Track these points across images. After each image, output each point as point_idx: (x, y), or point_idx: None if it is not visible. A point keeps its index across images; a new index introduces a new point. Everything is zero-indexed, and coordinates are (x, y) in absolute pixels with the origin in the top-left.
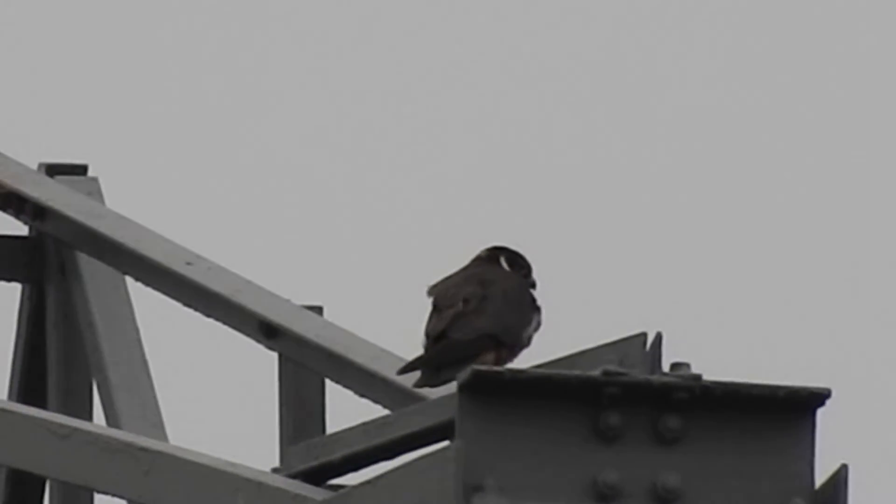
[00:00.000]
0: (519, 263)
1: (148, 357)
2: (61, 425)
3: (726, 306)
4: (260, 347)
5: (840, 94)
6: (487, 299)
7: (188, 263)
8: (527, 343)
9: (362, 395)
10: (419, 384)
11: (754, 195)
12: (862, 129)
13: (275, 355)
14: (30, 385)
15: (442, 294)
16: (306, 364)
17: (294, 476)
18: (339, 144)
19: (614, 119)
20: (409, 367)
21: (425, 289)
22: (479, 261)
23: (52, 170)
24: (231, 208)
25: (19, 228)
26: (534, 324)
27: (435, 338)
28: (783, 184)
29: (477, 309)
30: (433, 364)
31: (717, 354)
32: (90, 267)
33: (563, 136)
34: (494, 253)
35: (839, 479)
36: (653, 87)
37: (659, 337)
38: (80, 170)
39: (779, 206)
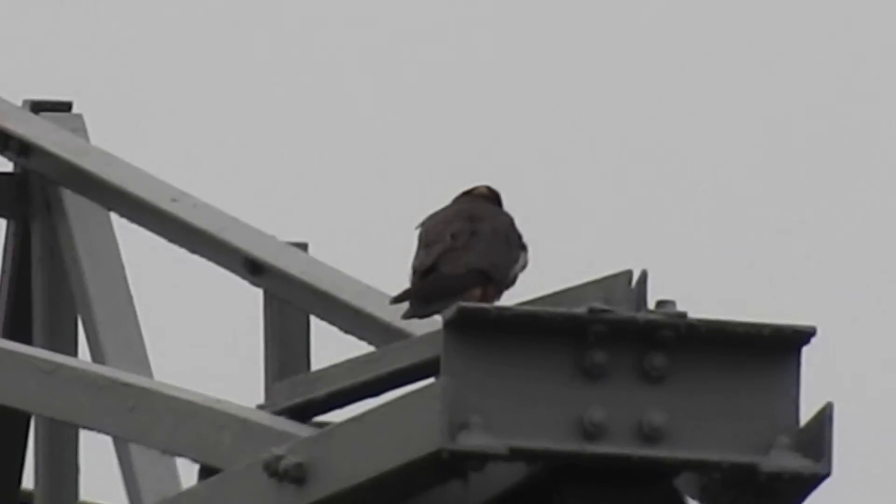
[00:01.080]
0: (500, 200)
1: (133, 293)
2: (46, 361)
3: (712, 244)
4: (245, 284)
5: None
6: (476, 235)
7: (173, 200)
8: (512, 281)
9: (347, 332)
10: (407, 315)
11: (738, 129)
12: (842, 62)
13: (260, 292)
14: (15, 321)
15: (430, 230)
16: (291, 301)
17: (279, 413)
18: (323, 81)
19: (598, 53)
20: (399, 298)
21: (414, 226)
22: (465, 197)
23: (37, 107)
24: (216, 145)
25: (4, 165)
26: (521, 262)
27: (423, 272)
28: (768, 120)
29: (466, 244)
30: (422, 296)
31: (702, 292)
32: (75, 203)
33: (547, 71)
34: (480, 189)
35: (824, 416)
36: (636, 17)
37: (644, 274)
38: (65, 106)
39: (763, 141)
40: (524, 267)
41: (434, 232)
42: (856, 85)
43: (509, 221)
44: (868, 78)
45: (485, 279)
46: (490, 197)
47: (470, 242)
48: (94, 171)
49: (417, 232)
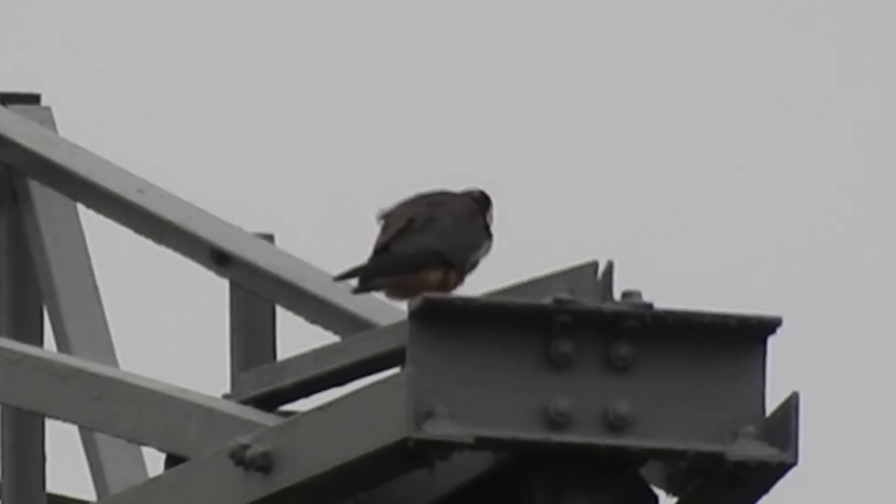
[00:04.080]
0: (481, 198)
1: (99, 284)
2: (12, 351)
3: (678, 234)
4: (211, 275)
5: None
6: (434, 220)
7: (139, 191)
8: (473, 266)
9: (313, 322)
10: (354, 290)
11: (705, 117)
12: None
13: (226, 282)
14: None
15: (391, 214)
16: (257, 291)
17: (245, 402)
18: (290, 70)
19: (568, 47)
20: (346, 275)
21: (376, 214)
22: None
23: (5, 98)
24: (182, 136)
25: None
26: (483, 248)
27: (376, 251)
28: (736, 105)
29: (422, 227)
30: (369, 274)
31: (668, 283)
32: (42, 194)
33: (515, 64)
34: (474, 194)
35: (790, 406)
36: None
37: (610, 265)
38: (33, 99)
39: (730, 127)
40: (487, 252)
41: (394, 216)
42: (823, 68)
43: (471, 209)
44: (828, 62)
45: (440, 261)
46: (477, 199)
47: (426, 226)
48: (61, 163)
49: (378, 218)
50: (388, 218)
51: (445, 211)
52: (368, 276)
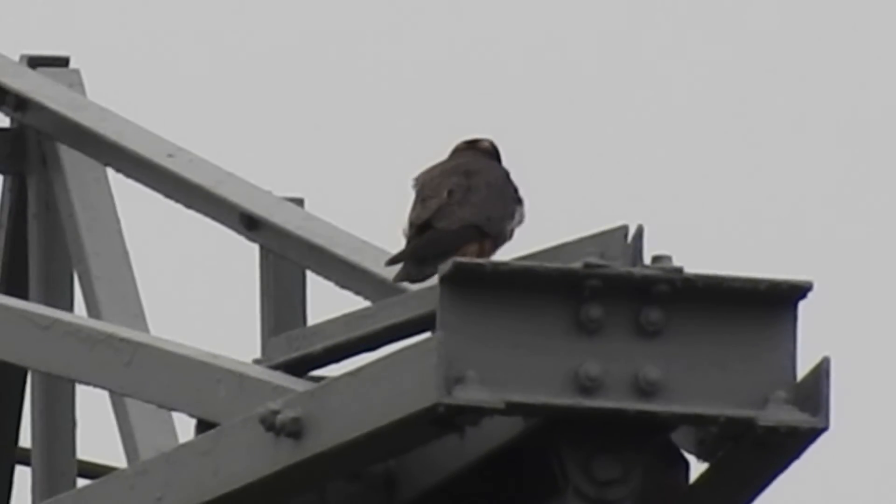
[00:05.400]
0: (498, 154)
1: (129, 248)
2: (42, 316)
3: (708, 198)
4: (241, 239)
5: None
6: (471, 190)
7: (169, 155)
8: (509, 236)
9: (343, 287)
10: (400, 278)
11: (736, 83)
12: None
13: (256, 247)
14: (11, 276)
15: (427, 183)
16: (287, 256)
17: (275, 367)
18: (321, 34)
19: (598, 8)
20: (394, 260)
21: (411, 180)
22: (461, 151)
23: (34, 62)
24: (212, 100)
25: (1, 120)
26: (517, 216)
27: (419, 227)
28: (769, 72)
29: (461, 200)
30: (417, 255)
31: (698, 247)
32: (71, 158)
33: (545, 25)
34: (483, 144)
35: (821, 371)
36: None
37: (640, 229)
38: (62, 62)
39: (761, 93)
40: (521, 222)
41: (430, 186)
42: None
43: (505, 175)
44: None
45: (480, 234)
46: (490, 151)
47: (465, 197)
48: (91, 126)
49: (413, 185)
50: (424, 186)
51: (482, 181)
52: (418, 268)
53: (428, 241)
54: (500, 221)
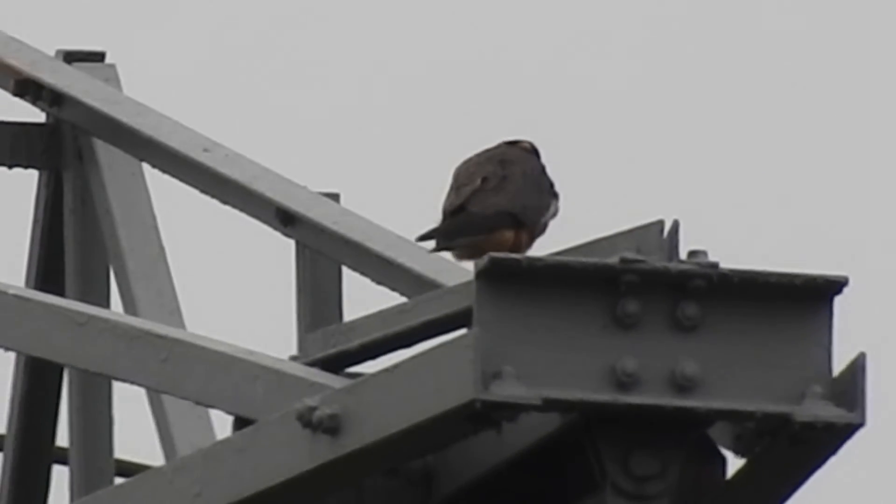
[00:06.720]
0: (538, 154)
1: (165, 244)
2: (79, 312)
3: (744, 193)
4: (277, 235)
5: None
6: (507, 179)
7: (205, 150)
8: (543, 229)
9: (379, 283)
10: (434, 249)
11: (773, 78)
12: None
13: (292, 243)
14: (47, 272)
15: (462, 172)
16: (323, 251)
17: (311, 364)
18: (356, 29)
19: (629, 4)
20: (425, 236)
21: (449, 174)
22: (504, 145)
23: (70, 57)
24: (248, 95)
25: (36, 115)
26: (551, 209)
27: (452, 212)
28: (804, 66)
29: (496, 187)
30: (446, 232)
31: (734, 242)
32: (107, 154)
33: (578, 23)
34: (516, 144)
35: (857, 366)
36: None
37: (676, 224)
38: (98, 57)
39: (798, 89)
40: (555, 215)
41: (465, 175)
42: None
43: (541, 168)
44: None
45: (514, 222)
46: (530, 151)
47: (500, 185)
48: (127, 121)
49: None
50: (459, 175)
51: (517, 170)
52: (447, 237)
53: (460, 221)
54: (534, 211)
